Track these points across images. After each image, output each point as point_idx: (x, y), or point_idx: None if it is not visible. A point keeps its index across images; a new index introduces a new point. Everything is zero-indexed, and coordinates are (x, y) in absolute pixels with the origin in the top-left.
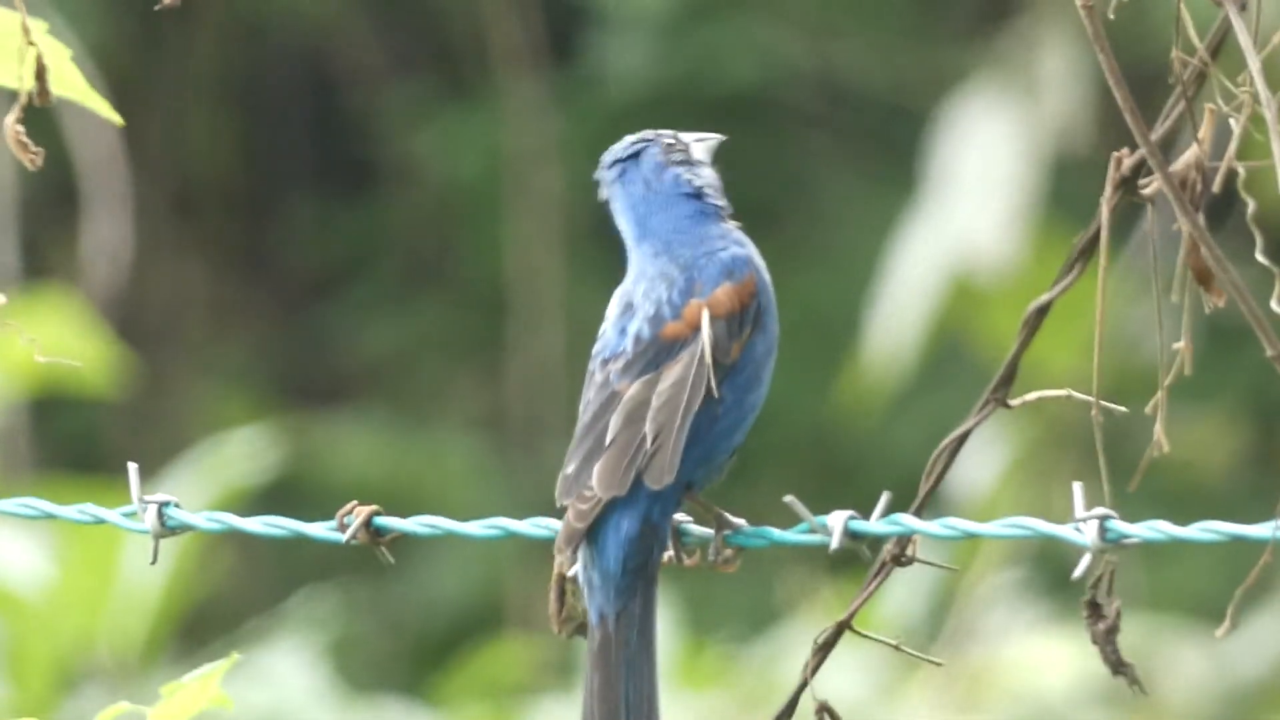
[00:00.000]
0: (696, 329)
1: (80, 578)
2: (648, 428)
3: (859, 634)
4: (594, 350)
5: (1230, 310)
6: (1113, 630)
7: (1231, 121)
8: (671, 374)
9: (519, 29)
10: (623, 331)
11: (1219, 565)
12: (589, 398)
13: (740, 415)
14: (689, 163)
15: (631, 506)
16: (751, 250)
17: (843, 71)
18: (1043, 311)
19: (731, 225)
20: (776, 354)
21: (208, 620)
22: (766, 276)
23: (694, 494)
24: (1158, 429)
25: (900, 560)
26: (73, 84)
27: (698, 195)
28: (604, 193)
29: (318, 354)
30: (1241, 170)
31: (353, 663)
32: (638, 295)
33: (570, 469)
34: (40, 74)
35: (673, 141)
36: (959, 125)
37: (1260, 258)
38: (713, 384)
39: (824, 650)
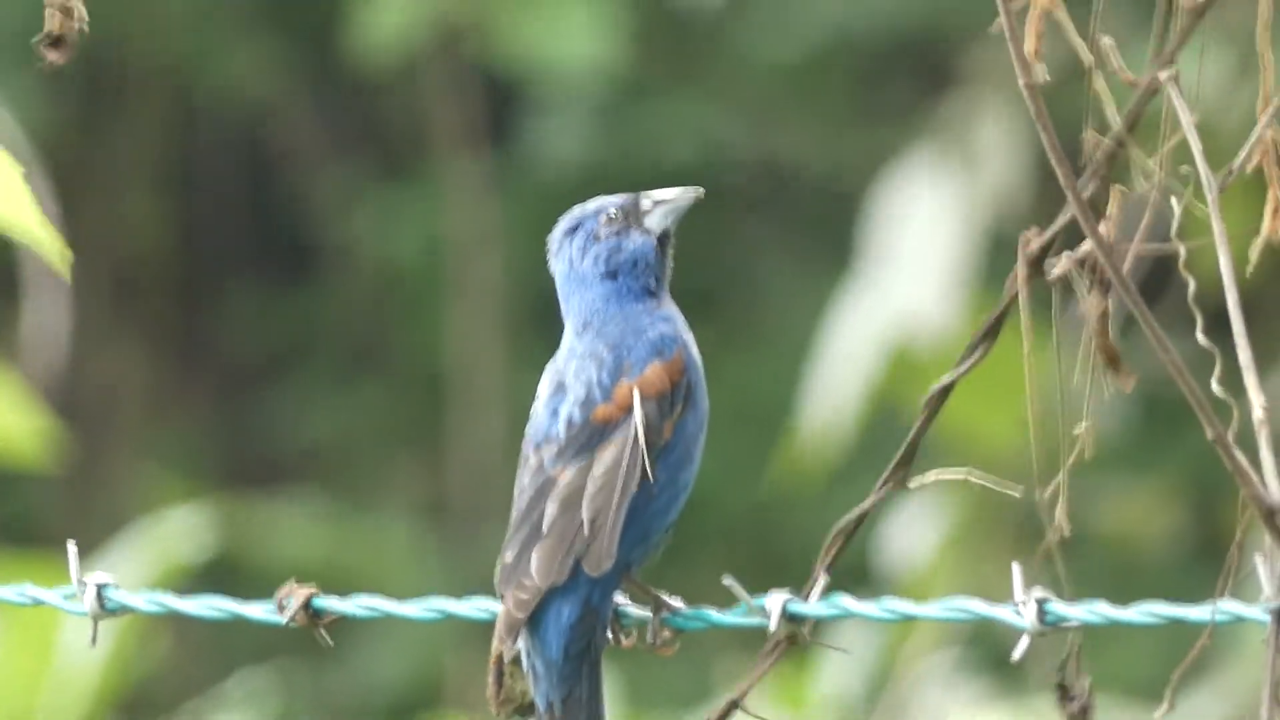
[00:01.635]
0: (627, 410)
1: (18, 658)
2: (584, 514)
3: (749, 714)
4: (527, 431)
5: (1171, 386)
6: (1087, 709)
7: (1173, 200)
8: (605, 458)
9: (456, 111)
10: (554, 414)
11: (1159, 645)
12: (524, 483)
13: (674, 493)
14: (622, 234)
15: (571, 593)
16: (679, 326)
17: (781, 155)
18: (946, 391)
19: (656, 302)
20: (707, 430)
21: (146, 701)
22: (695, 352)
23: (632, 575)
24: (1059, 511)
25: (795, 639)
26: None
27: (613, 274)
28: (549, 265)
29: (257, 438)
30: (1183, 250)
31: None
32: (569, 374)
33: (509, 557)
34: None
35: (614, 214)
36: (895, 195)
37: (1201, 338)
38: (648, 467)
39: None
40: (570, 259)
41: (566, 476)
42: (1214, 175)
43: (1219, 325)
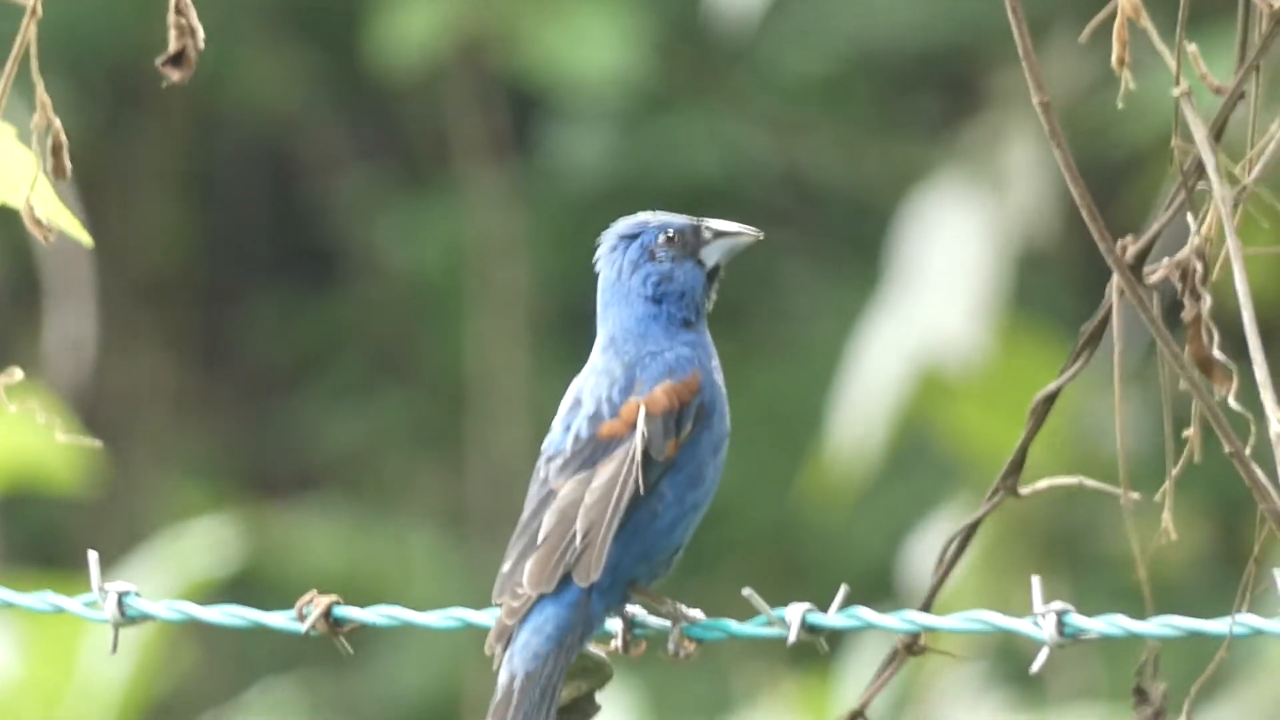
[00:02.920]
0: (633, 427)
1: (42, 671)
2: (578, 526)
3: None
4: (543, 445)
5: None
6: (1160, 714)
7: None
8: (605, 472)
9: (479, 120)
10: (567, 429)
11: (1178, 660)
12: (530, 494)
13: (681, 512)
14: (676, 261)
15: (563, 602)
16: (701, 351)
17: (807, 167)
18: (1050, 400)
19: (692, 333)
20: (725, 452)
21: (170, 714)
22: (718, 376)
23: (642, 589)
24: (1166, 516)
25: (912, 649)
26: (44, 198)
27: (658, 300)
28: (596, 261)
29: (279, 446)
30: (1199, 266)
31: None
32: (586, 391)
33: (506, 566)
34: (57, 150)
35: (673, 235)
36: (924, 218)
37: (1217, 354)
38: (640, 482)
39: None
40: (620, 269)
41: (566, 489)
42: (1229, 192)
43: (1236, 342)
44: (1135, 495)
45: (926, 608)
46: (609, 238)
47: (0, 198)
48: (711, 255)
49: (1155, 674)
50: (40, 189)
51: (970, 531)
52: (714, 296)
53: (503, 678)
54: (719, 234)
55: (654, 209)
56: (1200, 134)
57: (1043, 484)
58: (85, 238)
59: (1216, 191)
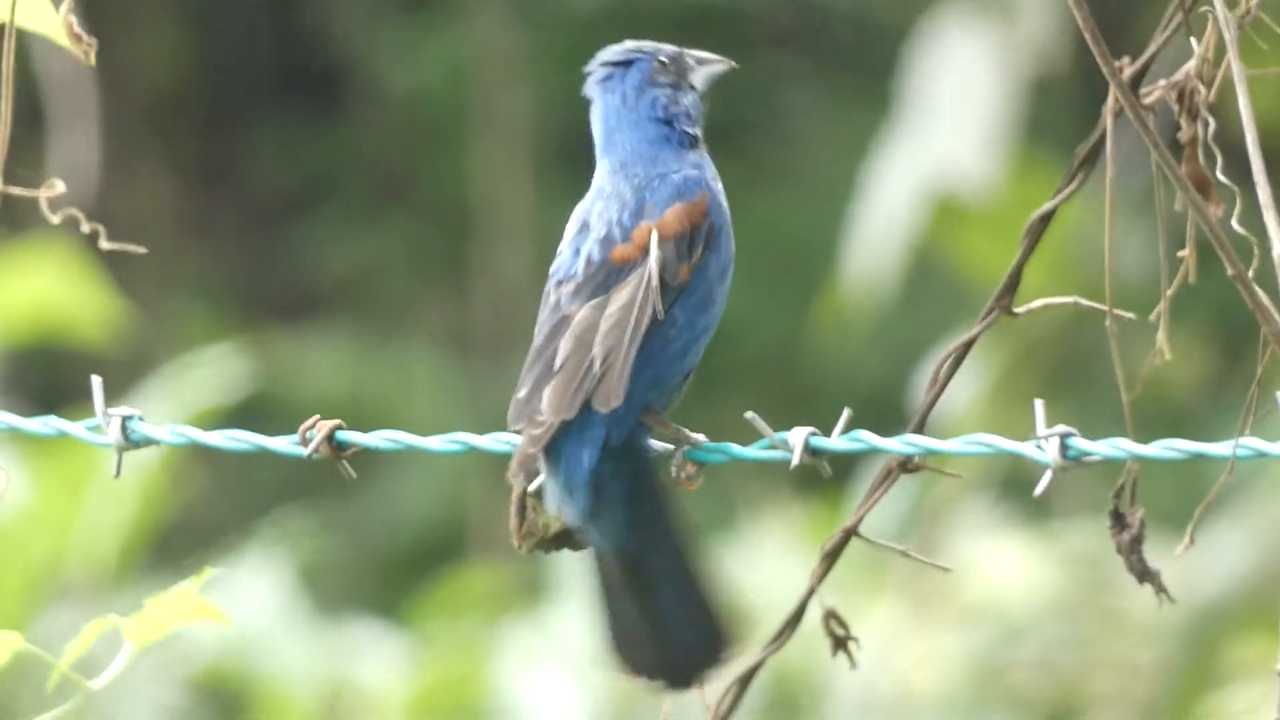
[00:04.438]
0: (645, 251)
1: (52, 498)
2: (595, 351)
3: (867, 540)
4: (551, 269)
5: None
6: (1137, 540)
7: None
8: (620, 297)
9: None
10: (576, 252)
11: (1181, 484)
12: (542, 319)
13: (692, 337)
14: (676, 87)
15: (587, 432)
16: (708, 174)
17: None
18: (1046, 219)
19: (696, 155)
20: (732, 274)
21: (178, 540)
22: (722, 199)
23: (652, 414)
24: (1160, 336)
25: (907, 466)
26: (42, 18)
27: (669, 122)
28: (587, 91)
29: (284, 270)
30: (1202, 89)
31: (318, 581)
32: (593, 215)
33: (522, 393)
34: None
35: (666, 61)
36: (935, 47)
37: (1221, 177)
38: (659, 306)
39: (831, 557)
40: (624, 95)
41: (581, 314)
42: (1231, 14)
43: (1240, 166)
44: (1129, 315)
45: (920, 428)
46: (599, 67)
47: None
48: (700, 81)
49: (1133, 499)
50: (41, 6)
51: (964, 350)
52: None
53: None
54: (700, 61)
55: (652, 33)
56: None
57: (1037, 303)
58: (89, 54)
59: (1220, 12)
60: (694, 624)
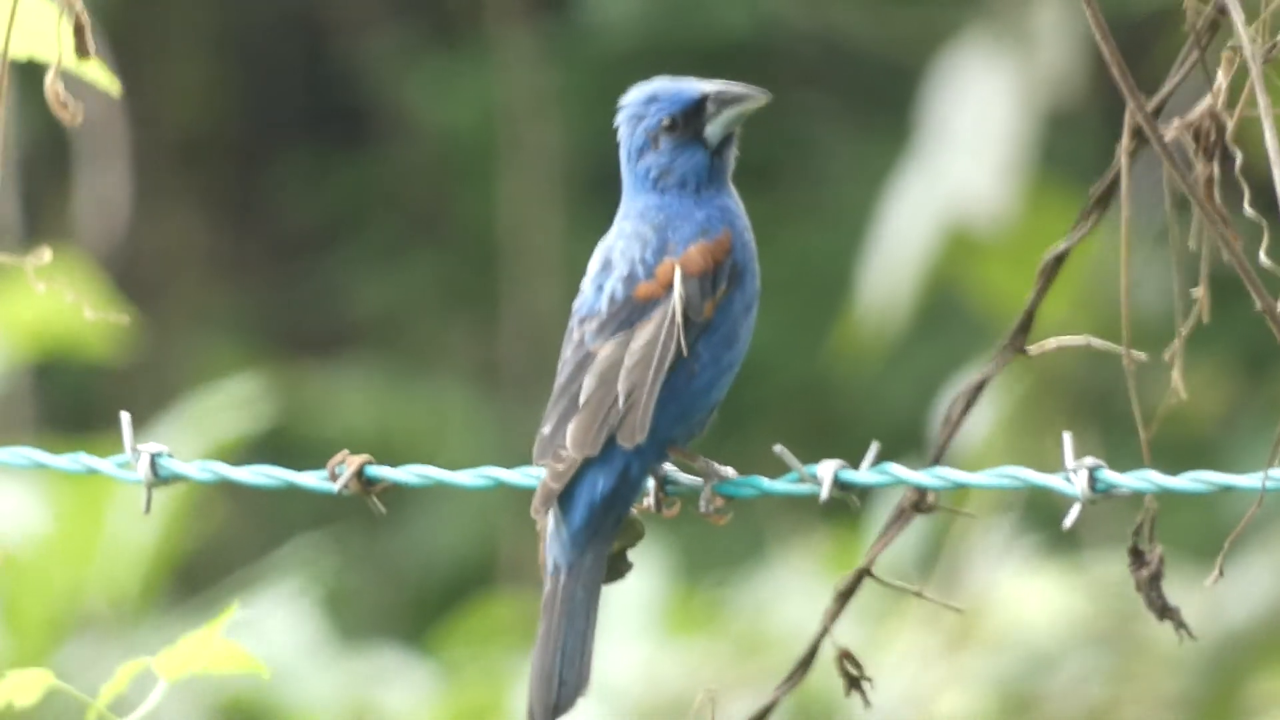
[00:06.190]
0: (669, 288)
1: (74, 529)
2: (620, 387)
3: (879, 581)
4: (574, 306)
5: (1219, 263)
6: (1156, 576)
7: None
8: (644, 334)
9: None
10: (599, 289)
11: (1200, 513)
12: (566, 356)
13: (717, 373)
14: (678, 149)
15: (607, 465)
16: (731, 210)
17: (836, 25)
18: (1060, 260)
19: (718, 193)
20: (757, 310)
21: (200, 572)
22: (748, 235)
23: (679, 448)
24: (1175, 375)
25: (920, 507)
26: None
27: (661, 192)
28: (616, 124)
29: (312, 306)
30: (1230, 122)
31: (345, 613)
32: (616, 253)
33: (546, 429)
34: (79, 31)
35: (673, 123)
36: (953, 78)
37: (1249, 210)
38: (683, 343)
39: (844, 597)
40: (629, 150)
41: (605, 351)
42: (1259, 46)
43: (1262, 197)
44: (1143, 356)
45: (935, 464)
46: (623, 108)
47: (29, 52)
48: (716, 131)
49: (1151, 536)
50: (67, 44)
51: (976, 392)
52: (733, 159)
53: (548, 566)
54: (724, 104)
55: (681, 71)
56: None
57: (1050, 343)
58: (114, 86)
59: (1245, 45)
60: (581, 660)
